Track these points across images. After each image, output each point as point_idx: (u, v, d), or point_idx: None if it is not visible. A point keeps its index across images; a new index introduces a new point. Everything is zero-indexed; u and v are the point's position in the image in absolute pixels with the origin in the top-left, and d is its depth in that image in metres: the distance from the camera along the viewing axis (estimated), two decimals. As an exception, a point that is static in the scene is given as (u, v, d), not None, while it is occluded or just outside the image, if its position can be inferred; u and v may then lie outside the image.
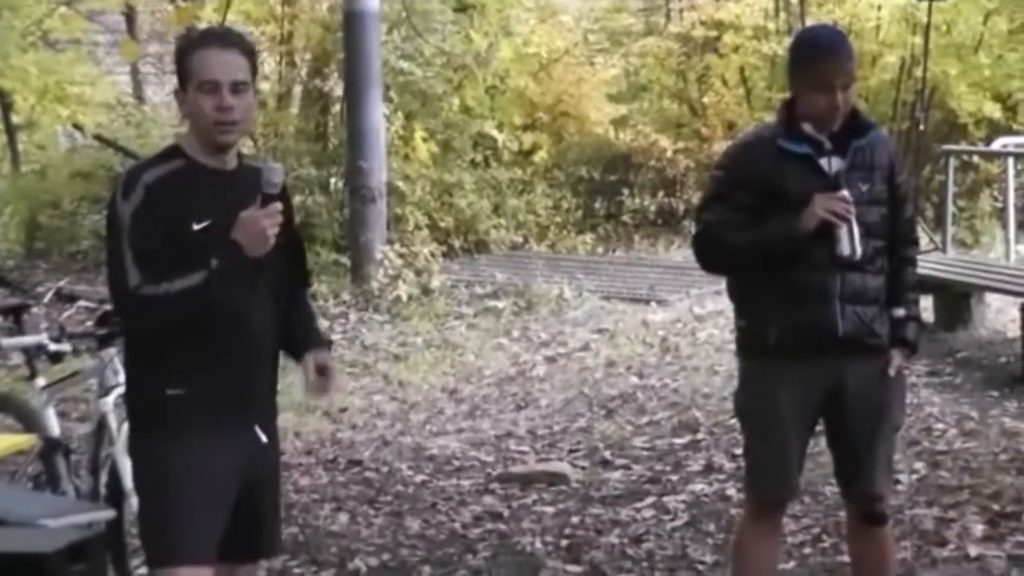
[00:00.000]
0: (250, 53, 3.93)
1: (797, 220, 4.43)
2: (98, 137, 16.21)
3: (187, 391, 3.80)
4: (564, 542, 6.45)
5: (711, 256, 4.70)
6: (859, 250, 4.45)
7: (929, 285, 9.48)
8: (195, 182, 3.81)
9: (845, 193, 4.43)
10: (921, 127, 15.27)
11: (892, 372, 4.59)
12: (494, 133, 16.16)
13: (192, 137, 3.90)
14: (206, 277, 3.69)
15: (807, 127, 4.49)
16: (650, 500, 7.03)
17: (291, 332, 4.09)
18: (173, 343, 3.78)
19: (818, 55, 4.49)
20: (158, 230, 3.72)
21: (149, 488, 3.91)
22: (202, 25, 14.72)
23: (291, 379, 9.99)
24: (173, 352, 3.80)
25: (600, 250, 15.93)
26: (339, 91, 15.15)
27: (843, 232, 4.43)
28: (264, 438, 3.95)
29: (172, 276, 3.69)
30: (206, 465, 3.81)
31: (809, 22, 14.41)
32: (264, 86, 16.39)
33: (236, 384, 3.86)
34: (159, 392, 3.82)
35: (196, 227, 3.74)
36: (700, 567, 5.99)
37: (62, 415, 6.79)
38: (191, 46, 3.87)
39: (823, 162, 4.49)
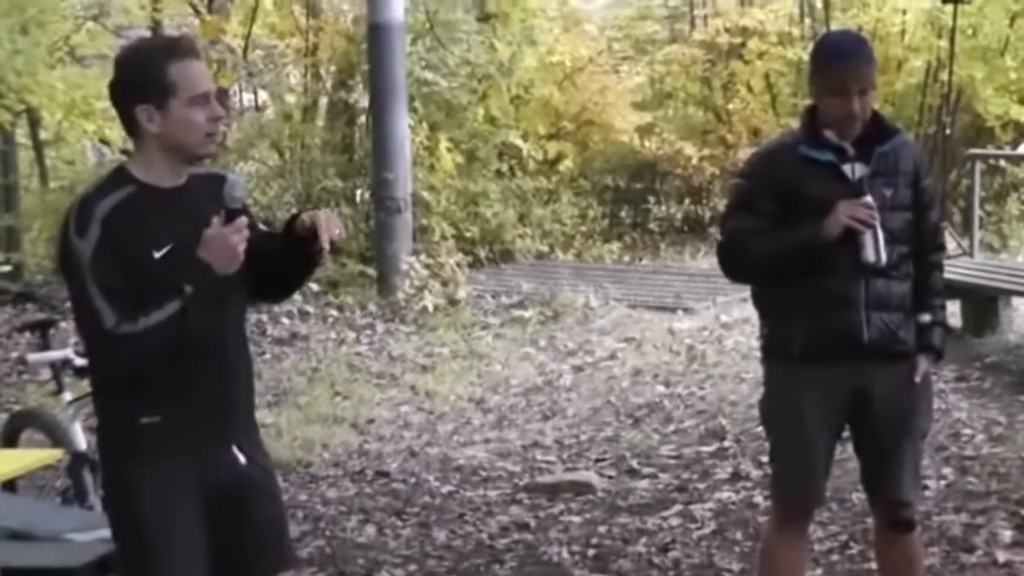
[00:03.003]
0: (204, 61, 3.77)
1: (821, 227, 4.41)
2: (126, 152, 16.27)
3: (163, 418, 3.63)
4: (591, 551, 6.45)
5: (735, 265, 4.69)
6: (884, 256, 4.43)
7: (957, 290, 9.44)
8: (149, 207, 3.59)
9: (869, 199, 4.42)
10: (947, 131, 15.21)
11: (918, 378, 4.57)
12: (519, 143, 16.16)
13: (149, 158, 3.65)
14: (182, 304, 3.50)
15: (829, 134, 4.48)
16: (677, 509, 7.02)
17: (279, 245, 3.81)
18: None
19: (835, 59, 4.48)
20: (120, 264, 3.51)
21: (126, 520, 3.72)
22: (228, 39, 14.86)
23: (318, 392, 10.11)
24: (147, 379, 3.59)
25: (626, 258, 15.92)
26: (364, 103, 15.17)
27: (867, 238, 4.42)
28: (243, 459, 3.77)
29: (147, 309, 3.50)
30: (182, 492, 3.66)
31: (834, 27, 14.38)
32: (290, 99, 16.47)
33: (213, 407, 3.69)
34: (134, 421, 3.64)
35: (157, 255, 3.55)
36: (727, 575, 5.98)
37: (90, 430, 6.81)
38: (166, 57, 3.61)
39: (846, 168, 4.48)
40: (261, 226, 3.94)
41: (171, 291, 3.50)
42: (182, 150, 3.64)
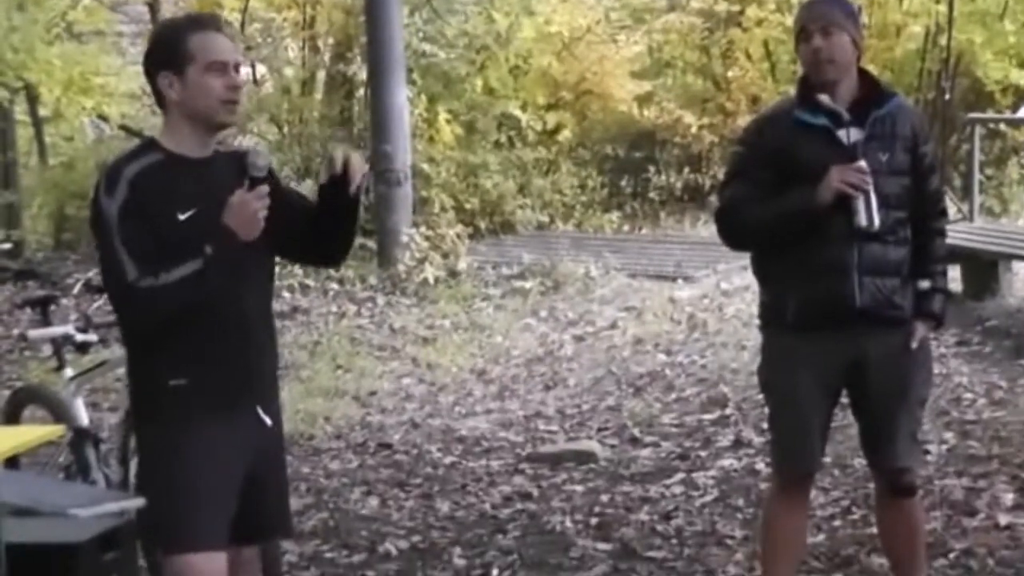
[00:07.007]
0: (231, 37, 3.99)
1: (814, 193, 4.42)
2: (124, 127, 16.27)
3: (189, 380, 3.80)
4: (594, 520, 6.46)
5: (733, 232, 4.70)
6: (876, 221, 4.43)
7: (957, 254, 9.41)
8: (176, 173, 3.80)
9: (861, 163, 4.42)
10: (947, 96, 15.19)
11: (915, 344, 4.56)
12: (518, 113, 16.14)
13: (175, 128, 3.86)
14: (202, 264, 3.69)
15: (823, 98, 4.48)
16: (679, 476, 7.03)
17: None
18: (172, 333, 3.77)
19: (801, 8, 4.59)
20: (146, 223, 3.71)
21: (161, 478, 3.87)
22: (225, 13, 14.82)
23: (320, 365, 10.12)
24: (173, 342, 3.78)
25: (626, 228, 15.91)
26: (363, 75, 15.14)
27: (860, 203, 4.42)
28: (268, 420, 3.97)
29: (168, 267, 3.68)
30: (214, 453, 3.82)
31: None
32: (288, 72, 16.45)
33: (237, 369, 3.86)
34: (162, 383, 3.82)
35: (182, 217, 3.74)
36: (729, 542, 5.99)
37: (93, 405, 6.83)
38: (188, 29, 3.85)
39: (841, 133, 4.48)
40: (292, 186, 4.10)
41: (193, 251, 3.69)
42: (201, 116, 3.83)
